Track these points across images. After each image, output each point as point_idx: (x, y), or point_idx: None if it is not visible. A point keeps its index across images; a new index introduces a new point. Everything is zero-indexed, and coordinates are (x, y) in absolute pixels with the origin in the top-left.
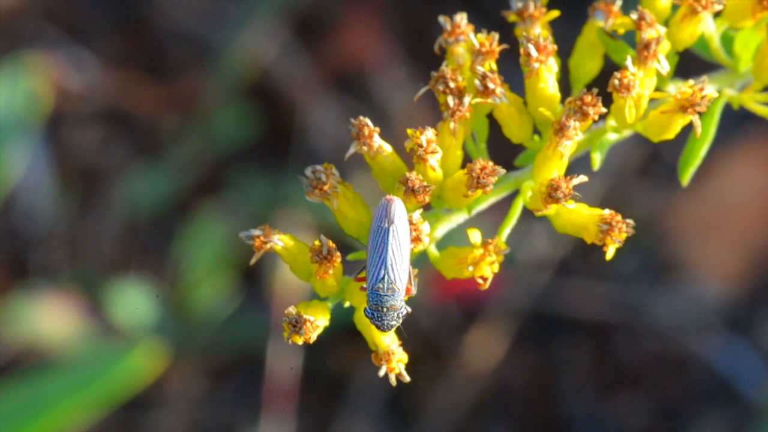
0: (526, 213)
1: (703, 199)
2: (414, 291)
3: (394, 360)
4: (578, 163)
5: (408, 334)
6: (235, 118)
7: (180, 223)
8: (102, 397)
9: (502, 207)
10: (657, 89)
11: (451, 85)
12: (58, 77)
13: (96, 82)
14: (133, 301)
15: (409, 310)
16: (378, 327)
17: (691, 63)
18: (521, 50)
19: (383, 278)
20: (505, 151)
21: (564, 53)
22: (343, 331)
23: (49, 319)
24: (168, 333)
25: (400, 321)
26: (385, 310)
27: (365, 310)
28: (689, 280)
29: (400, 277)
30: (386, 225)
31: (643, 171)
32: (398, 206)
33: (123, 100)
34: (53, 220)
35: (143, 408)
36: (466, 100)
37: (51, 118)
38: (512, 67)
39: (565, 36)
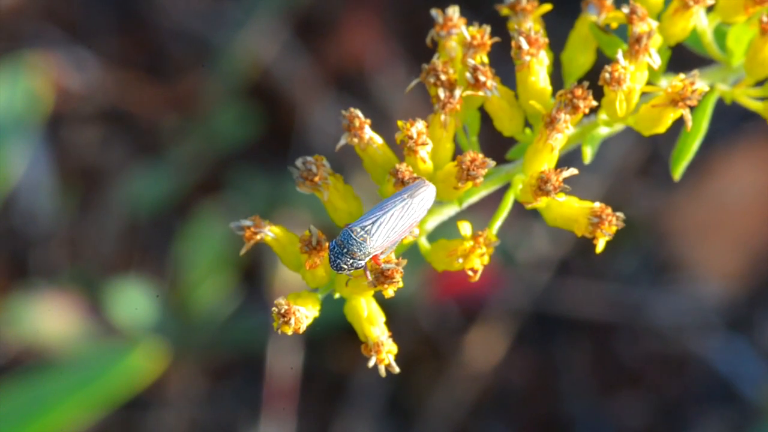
0: (526, 212)
1: (703, 199)
2: (384, 258)
3: (384, 351)
4: (573, 161)
5: (408, 334)
6: (235, 118)
7: (180, 222)
8: (102, 397)
9: (496, 203)
10: (649, 83)
11: (442, 77)
12: (58, 77)
13: (96, 82)
14: (133, 301)
15: (362, 265)
16: (330, 260)
17: (686, 58)
18: (512, 43)
19: (365, 227)
20: (498, 146)
21: (558, 48)
22: (343, 331)
23: (49, 319)
24: (168, 333)
25: (350, 271)
26: (345, 250)
27: (332, 241)
28: (689, 280)
29: (379, 237)
30: (406, 196)
31: (643, 171)
32: (429, 194)
33: (123, 100)
34: (53, 220)
35: (143, 408)
36: (457, 92)
37: (51, 118)
38: (507, 64)
39: (559, 31)
